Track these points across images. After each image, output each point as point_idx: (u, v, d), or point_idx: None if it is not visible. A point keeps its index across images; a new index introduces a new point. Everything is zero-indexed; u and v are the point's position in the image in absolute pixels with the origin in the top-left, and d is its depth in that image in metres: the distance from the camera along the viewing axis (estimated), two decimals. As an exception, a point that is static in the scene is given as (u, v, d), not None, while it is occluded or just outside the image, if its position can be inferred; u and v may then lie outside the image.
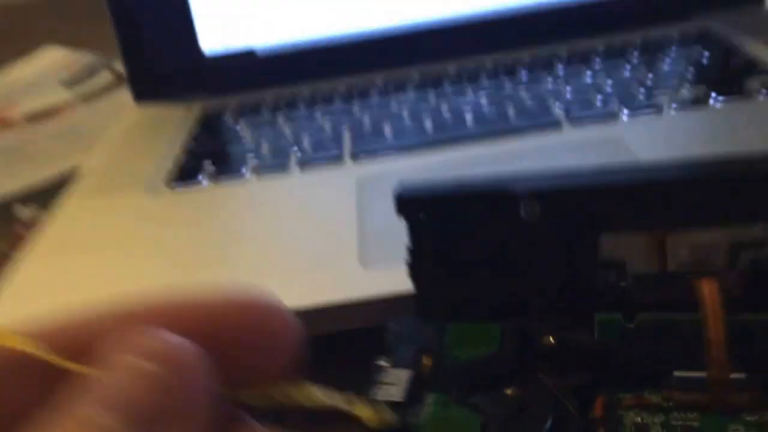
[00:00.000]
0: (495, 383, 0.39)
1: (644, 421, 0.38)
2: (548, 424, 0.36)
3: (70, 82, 1.25)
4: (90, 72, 1.27)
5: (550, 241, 0.42)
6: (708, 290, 0.38)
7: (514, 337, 0.41)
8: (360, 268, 0.51)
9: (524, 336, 0.41)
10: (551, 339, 0.40)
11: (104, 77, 1.24)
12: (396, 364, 0.39)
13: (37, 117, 1.15)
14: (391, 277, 0.46)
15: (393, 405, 0.36)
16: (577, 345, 0.40)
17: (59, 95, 1.21)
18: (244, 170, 0.74)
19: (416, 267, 0.44)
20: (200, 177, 0.73)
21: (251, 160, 0.75)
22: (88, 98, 1.19)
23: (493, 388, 0.39)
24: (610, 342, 0.40)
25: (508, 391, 0.39)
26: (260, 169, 0.73)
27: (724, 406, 0.37)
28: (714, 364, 0.37)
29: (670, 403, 0.38)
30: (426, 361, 0.39)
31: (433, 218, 0.43)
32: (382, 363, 0.39)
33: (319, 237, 0.56)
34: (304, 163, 0.73)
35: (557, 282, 0.43)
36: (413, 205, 0.43)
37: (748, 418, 0.37)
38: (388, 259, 0.48)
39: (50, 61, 1.34)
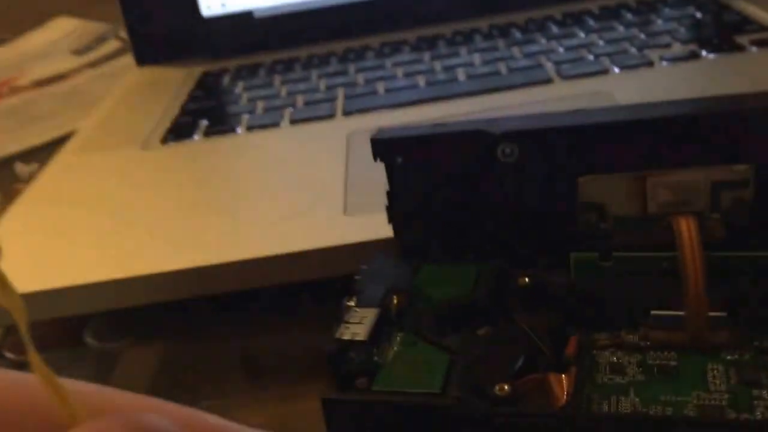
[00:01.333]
0: (467, 324, 0.38)
1: (620, 360, 0.37)
2: (519, 363, 0.36)
3: (80, 51, 1.25)
4: (99, 40, 1.27)
5: (529, 183, 0.42)
6: (685, 226, 0.37)
7: (489, 277, 0.40)
8: (343, 216, 0.51)
9: (500, 277, 0.41)
10: (526, 279, 0.40)
11: (112, 45, 1.24)
12: (367, 304, 0.39)
13: (44, 82, 1.15)
14: (373, 224, 0.45)
15: (357, 344, 0.36)
16: (553, 285, 0.40)
17: (68, 63, 1.21)
18: (237, 128, 0.73)
19: (394, 209, 0.44)
20: (194, 134, 0.73)
21: (245, 118, 0.75)
22: (96, 65, 1.19)
23: (466, 329, 0.38)
24: (587, 281, 0.39)
25: (480, 332, 0.38)
26: (253, 126, 0.73)
27: (703, 345, 0.36)
28: (692, 301, 0.36)
29: (647, 343, 0.37)
30: (396, 300, 0.38)
31: (409, 161, 0.42)
32: (350, 303, 0.39)
33: (305, 186, 0.56)
34: (296, 120, 0.72)
35: (536, 224, 0.42)
36: (389, 147, 0.42)
37: (727, 357, 0.36)
38: (372, 207, 0.48)
39: (61, 30, 1.34)
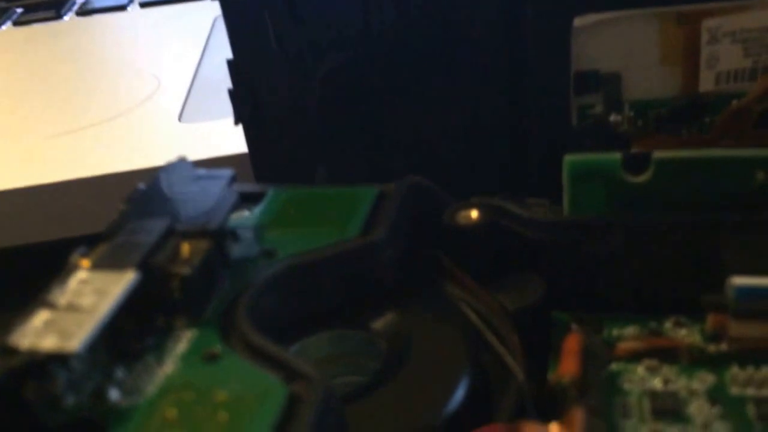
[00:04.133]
0: (351, 310, 0.18)
1: (671, 386, 0.17)
2: (454, 401, 0.16)
3: None
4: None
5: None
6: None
7: (391, 213, 0.19)
8: (180, 125, 0.34)
9: (411, 211, 0.20)
10: (474, 212, 0.19)
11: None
12: (110, 266, 0.18)
13: None
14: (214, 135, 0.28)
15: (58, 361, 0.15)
16: (519, 222, 0.19)
17: None
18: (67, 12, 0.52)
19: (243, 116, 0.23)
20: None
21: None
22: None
23: (341, 321, 0.18)
24: (590, 207, 0.19)
25: (376, 324, 0.18)
26: (88, 10, 0.51)
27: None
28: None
29: (725, 344, 0.18)
30: (184, 268, 0.17)
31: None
32: (79, 270, 0.18)
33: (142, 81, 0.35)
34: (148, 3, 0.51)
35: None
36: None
37: None
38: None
39: None
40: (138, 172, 0.29)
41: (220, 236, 0.17)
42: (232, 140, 0.28)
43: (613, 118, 0.23)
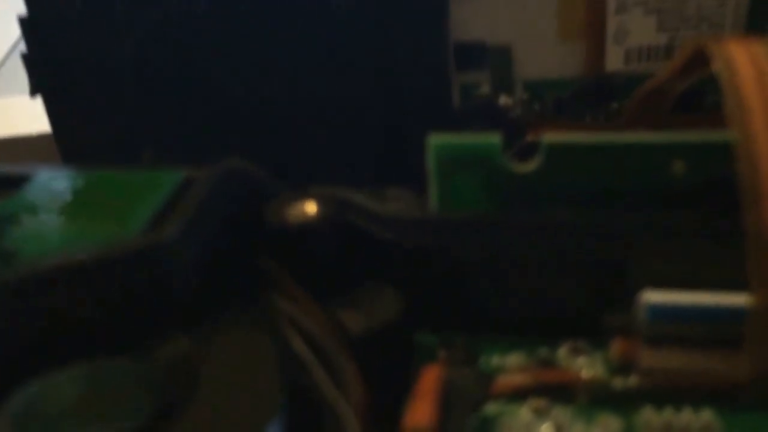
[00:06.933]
0: (117, 337, 0.13)
1: (558, 431, 0.13)
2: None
3: None
4: None
5: None
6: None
7: (196, 196, 0.14)
8: None
9: (233, 197, 0.15)
10: (311, 206, 0.15)
11: None
12: None
13: None
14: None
15: None
16: (372, 220, 0.15)
17: None
18: None
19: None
20: None
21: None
22: None
23: (117, 348, 0.13)
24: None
25: (160, 352, 0.13)
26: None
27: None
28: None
29: (635, 383, 0.13)
30: None
31: None
32: None
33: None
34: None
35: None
36: None
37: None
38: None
39: None
40: None
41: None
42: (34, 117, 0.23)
43: (503, 100, 0.19)
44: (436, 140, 0.14)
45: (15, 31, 0.33)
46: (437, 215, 0.15)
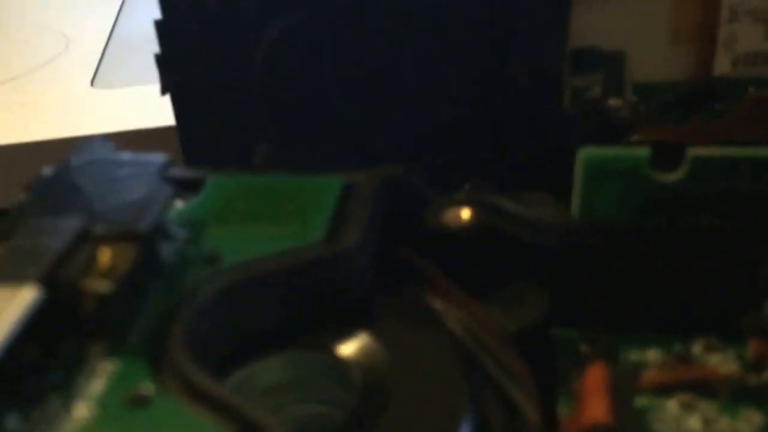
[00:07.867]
0: (303, 332, 0.14)
1: (706, 424, 0.14)
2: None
3: None
4: None
5: None
6: None
7: (364, 203, 0.15)
8: (92, 90, 0.30)
9: (390, 203, 0.16)
10: (465, 212, 0.16)
11: None
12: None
13: None
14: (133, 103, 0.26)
15: None
16: (524, 226, 0.16)
17: None
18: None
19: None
20: None
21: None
22: None
23: (304, 342, 0.14)
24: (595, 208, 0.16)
25: (344, 348, 0.14)
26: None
27: None
28: None
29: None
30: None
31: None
32: None
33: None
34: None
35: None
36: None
37: None
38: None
39: None
40: (41, 144, 0.24)
41: (151, 241, 0.13)
42: (154, 110, 0.24)
43: (612, 102, 0.20)
44: (585, 152, 0.15)
45: (107, 23, 0.34)
46: (591, 221, 0.15)
